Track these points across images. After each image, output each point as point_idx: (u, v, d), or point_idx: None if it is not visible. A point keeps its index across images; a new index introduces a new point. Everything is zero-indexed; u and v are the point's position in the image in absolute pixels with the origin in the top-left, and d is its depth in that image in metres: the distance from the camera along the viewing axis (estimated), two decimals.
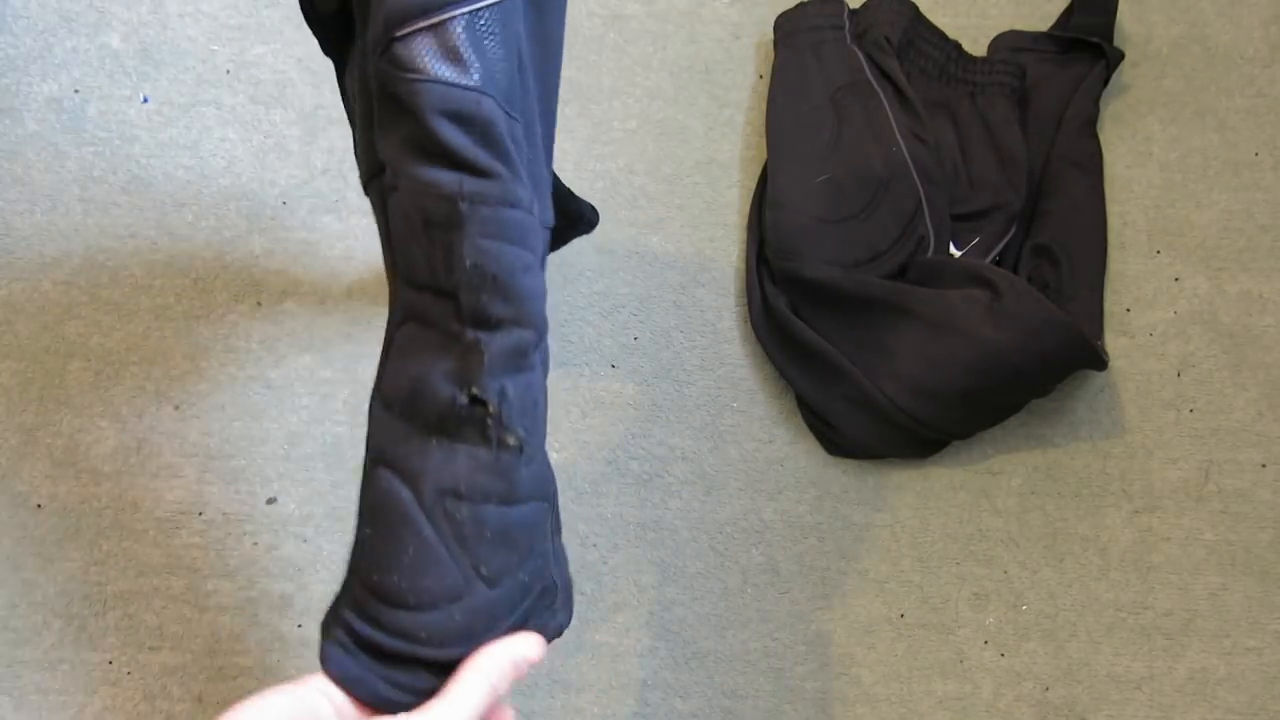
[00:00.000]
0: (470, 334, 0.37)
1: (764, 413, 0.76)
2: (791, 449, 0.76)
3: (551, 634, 0.41)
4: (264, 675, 0.71)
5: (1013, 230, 0.77)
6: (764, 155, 0.80)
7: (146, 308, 0.77)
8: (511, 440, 0.37)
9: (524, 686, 0.72)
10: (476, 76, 0.36)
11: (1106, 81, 0.81)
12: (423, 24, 0.35)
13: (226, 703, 0.69)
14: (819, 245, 0.74)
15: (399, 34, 0.35)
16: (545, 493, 0.40)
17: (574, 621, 0.73)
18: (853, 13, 0.82)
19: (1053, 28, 0.84)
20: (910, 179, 0.75)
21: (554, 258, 0.78)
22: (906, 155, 0.76)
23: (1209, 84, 0.83)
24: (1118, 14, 0.82)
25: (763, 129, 0.81)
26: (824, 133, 0.77)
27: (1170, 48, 0.84)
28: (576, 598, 0.73)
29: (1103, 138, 0.81)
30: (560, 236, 0.69)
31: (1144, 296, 0.79)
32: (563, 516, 0.72)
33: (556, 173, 0.55)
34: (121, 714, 0.70)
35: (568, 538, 0.74)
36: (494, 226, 0.37)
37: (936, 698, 0.72)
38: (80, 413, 0.75)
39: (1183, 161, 0.81)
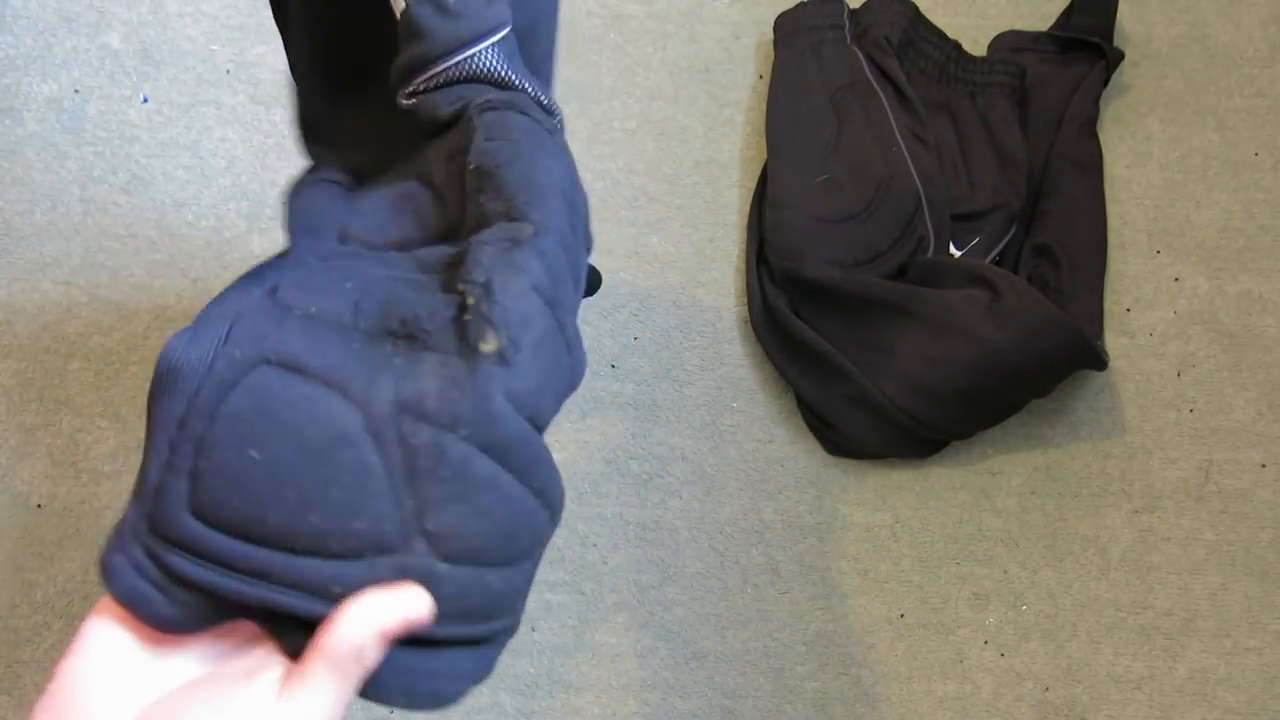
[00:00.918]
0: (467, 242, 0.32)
1: (764, 413, 0.76)
2: (791, 449, 0.76)
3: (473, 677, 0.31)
4: None
5: (1013, 230, 0.77)
6: (764, 155, 0.80)
7: (146, 308, 0.77)
8: (490, 344, 0.28)
9: (524, 686, 0.72)
10: None
11: (1106, 81, 0.81)
12: None
13: None
14: (819, 245, 0.73)
15: None
16: (534, 460, 0.30)
17: (574, 621, 0.73)
18: (853, 13, 0.82)
19: (1053, 28, 0.84)
20: (910, 179, 0.75)
21: None
22: (906, 155, 0.76)
23: (1209, 84, 0.83)
24: (1118, 14, 0.82)
25: (763, 129, 0.81)
26: (824, 133, 0.77)
27: (1170, 48, 0.84)
28: (577, 597, 0.73)
29: (1103, 138, 0.81)
30: None
31: (1144, 296, 0.79)
32: (563, 516, 0.72)
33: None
34: None
35: (568, 537, 0.74)
36: (497, 129, 0.36)
37: (936, 698, 0.72)
38: (80, 413, 0.75)
39: (1183, 161, 0.81)
